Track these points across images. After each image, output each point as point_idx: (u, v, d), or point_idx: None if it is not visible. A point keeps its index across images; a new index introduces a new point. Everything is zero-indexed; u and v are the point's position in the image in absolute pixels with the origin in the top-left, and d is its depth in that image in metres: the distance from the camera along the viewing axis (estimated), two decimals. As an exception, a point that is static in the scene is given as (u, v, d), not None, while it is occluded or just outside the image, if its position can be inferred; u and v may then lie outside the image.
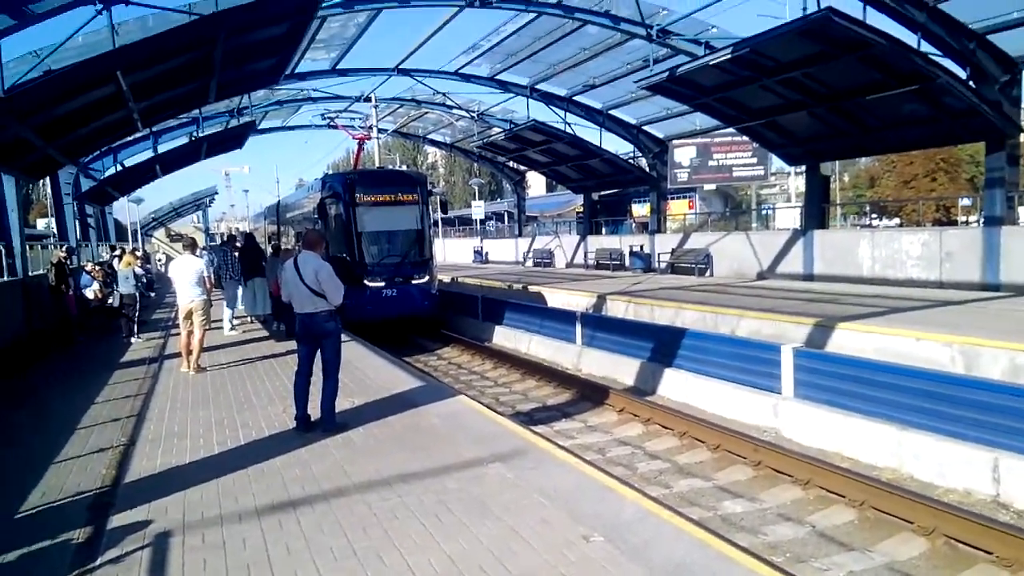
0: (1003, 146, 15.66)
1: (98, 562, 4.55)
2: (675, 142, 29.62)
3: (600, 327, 14.36)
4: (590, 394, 11.79)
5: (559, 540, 4.61)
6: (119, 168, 28.61)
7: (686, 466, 8.65)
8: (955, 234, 18.11)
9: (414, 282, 17.39)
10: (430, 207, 19.09)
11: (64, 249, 18.49)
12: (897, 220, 51.65)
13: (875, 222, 51.96)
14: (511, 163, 38.61)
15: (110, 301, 15.64)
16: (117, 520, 5.23)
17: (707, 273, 24.01)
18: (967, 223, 37.88)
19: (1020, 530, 5.97)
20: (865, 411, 8.55)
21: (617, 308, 17.78)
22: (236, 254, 15.96)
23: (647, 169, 29.19)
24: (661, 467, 8.65)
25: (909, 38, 14.92)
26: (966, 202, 44.17)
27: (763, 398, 9.87)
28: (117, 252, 22.44)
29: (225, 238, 22.77)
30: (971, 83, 15.13)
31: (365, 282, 16.78)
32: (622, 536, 4.63)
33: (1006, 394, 7.31)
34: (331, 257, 16.42)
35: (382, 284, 16.94)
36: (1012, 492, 6.83)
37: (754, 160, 31.49)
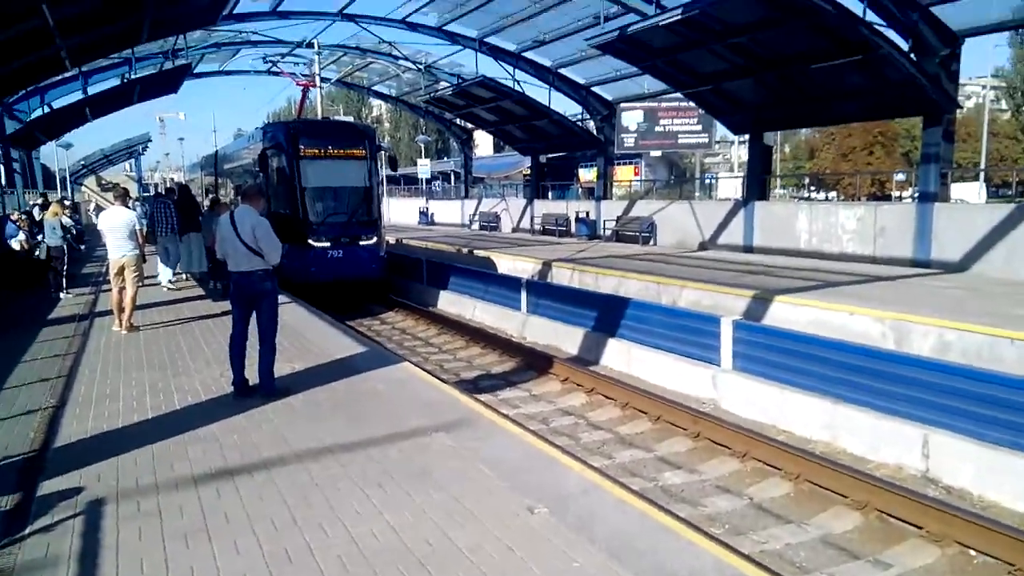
0: (940, 121, 16.00)
1: (27, 531, 4.39)
2: (623, 105, 29.58)
3: (545, 295, 14.38)
4: (534, 363, 11.83)
5: (504, 511, 4.62)
6: (47, 110, 27.29)
7: (628, 437, 8.78)
8: (889, 210, 18.59)
9: (361, 243, 16.62)
10: (379, 163, 18.29)
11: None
12: (834, 194, 52.95)
13: (813, 195, 53.19)
14: (459, 120, 38.08)
15: (36, 253, 14.98)
16: (47, 486, 5.04)
17: (651, 242, 24.23)
18: (900, 198, 39.03)
19: (948, 506, 6.22)
20: (800, 384, 8.77)
21: (562, 276, 17.83)
22: (175, 207, 15.37)
23: (595, 132, 29.14)
24: (604, 437, 8.76)
25: (855, 7, 15.04)
26: (900, 177, 45.52)
27: (703, 369, 10.04)
28: (39, 201, 21.52)
29: (163, 189, 21.93)
30: (912, 55, 15.39)
31: (309, 242, 16.05)
32: (566, 507, 4.66)
33: (936, 371, 7.57)
34: (272, 214, 15.70)
35: (327, 245, 16.18)
36: (941, 468, 7.11)
37: (699, 128, 31.73)
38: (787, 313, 11.61)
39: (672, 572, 3.87)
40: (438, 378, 8.55)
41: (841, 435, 8.08)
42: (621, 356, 11.58)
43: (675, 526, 4.59)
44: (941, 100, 15.56)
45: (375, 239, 16.92)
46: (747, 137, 22.49)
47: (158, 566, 3.95)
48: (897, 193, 43.04)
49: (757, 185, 21.34)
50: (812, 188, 57.24)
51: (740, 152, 49.55)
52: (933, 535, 5.93)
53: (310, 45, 29.56)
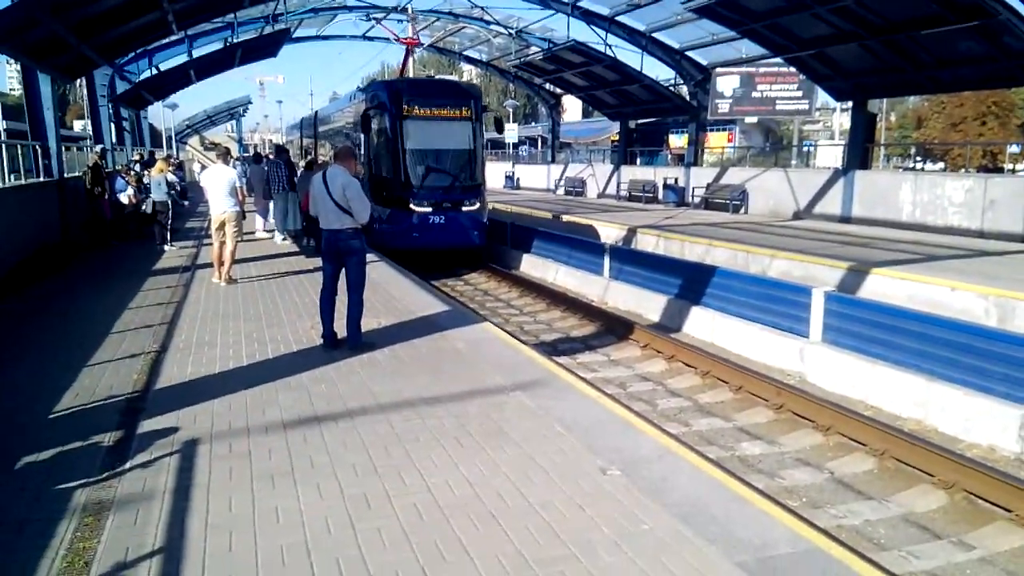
0: (1062, 92, 14.98)
1: (127, 465, 4.69)
2: (719, 70, 28.70)
3: (628, 260, 14.25)
4: (615, 328, 11.79)
5: (576, 471, 4.66)
6: (154, 72, 28.46)
7: (707, 405, 8.67)
8: (1000, 182, 17.54)
9: (464, 209, 16.07)
10: (484, 125, 17.41)
11: (99, 149, 18.63)
12: (941, 165, 50.20)
13: (919, 165, 50.56)
14: (547, 85, 37.75)
15: (144, 207, 15.77)
16: (147, 425, 5.37)
17: (742, 210, 23.62)
18: (1014, 171, 36.70)
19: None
20: (893, 360, 8.47)
21: (647, 242, 17.61)
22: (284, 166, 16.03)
23: (688, 98, 28.42)
24: (682, 405, 8.69)
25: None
26: (1015, 149, 42.74)
27: (790, 341, 9.79)
28: (137, 158, 22.56)
29: (275, 150, 22.60)
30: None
31: (411, 206, 15.66)
32: (639, 471, 4.66)
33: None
34: (372, 177, 16.30)
35: (428, 209, 15.65)
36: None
37: (799, 94, 30.51)
38: (884, 287, 11.18)
39: (743, 541, 3.84)
40: (517, 339, 8.63)
41: (933, 413, 7.78)
42: (704, 324, 11.41)
43: (749, 495, 4.53)
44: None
45: (478, 205, 16.36)
46: (849, 104, 21.53)
47: (246, 505, 4.17)
48: (1010, 166, 40.48)
49: (858, 153, 20.46)
50: (918, 158, 54.40)
51: (842, 120, 47.49)
52: (1023, 519, 5.67)
53: (404, 10, 29.78)
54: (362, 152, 16.61)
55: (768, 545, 3.82)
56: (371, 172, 16.45)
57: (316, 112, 28.07)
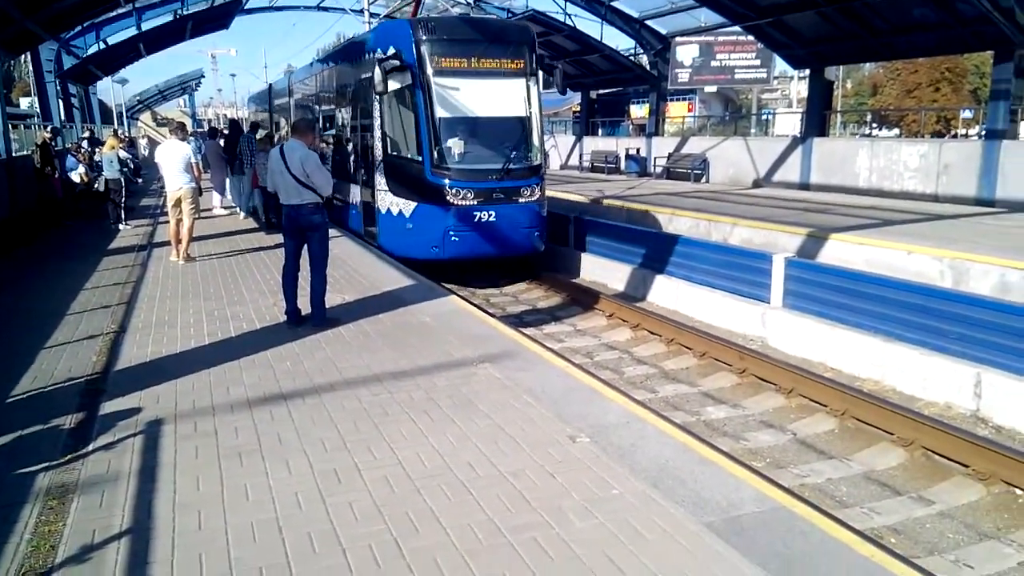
0: (1012, 57, 15.23)
1: (90, 448, 4.61)
2: (678, 39, 28.68)
3: (592, 231, 14.29)
4: (580, 298, 11.85)
5: (546, 439, 4.69)
6: (102, 46, 27.60)
7: (672, 372, 8.79)
8: (954, 147, 17.87)
9: (521, 200, 11.75)
10: (539, 80, 13.00)
11: (49, 130, 18.10)
12: (897, 131, 51.04)
13: (875, 132, 51.33)
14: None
15: (96, 186, 15.38)
16: (109, 407, 5.27)
17: (703, 179, 23.77)
18: (967, 136, 37.45)
19: (997, 444, 6.14)
20: (851, 322, 8.65)
21: (611, 213, 17.64)
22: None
23: (648, 67, 28.39)
24: (648, 372, 8.78)
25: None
26: (967, 115, 43.59)
27: (751, 307, 9.94)
28: (87, 135, 21.97)
29: (228, 124, 21.91)
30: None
31: (448, 198, 11.37)
32: (607, 437, 4.71)
33: (992, 310, 7.39)
34: (386, 159, 12.30)
35: (474, 202, 11.47)
36: (993, 407, 6.99)
37: (757, 62, 30.66)
38: (842, 252, 11.36)
39: (711, 502, 3.91)
40: (484, 311, 8.62)
41: (891, 373, 7.98)
42: (669, 293, 11.53)
43: (716, 458, 4.61)
44: (1014, 34, 14.73)
45: (538, 193, 12.08)
46: (807, 72, 21.71)
47: (214, 483, 4.12)
48: (963, 131, 41.29)
49: (816, 121, 20.66)
50: (874, 125, 55.21)
51: (799, 88, 47.89)
52: (979, 473, 5.87)
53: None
54: (372, 125, 12.59)
55: (735, 505, 3.89)
56: (384, 153, 12.30)
57: (289, 76, 22.77)
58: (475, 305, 9.04)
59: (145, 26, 27.08)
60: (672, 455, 4.51)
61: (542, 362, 6.34)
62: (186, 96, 63.90)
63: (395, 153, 12.17)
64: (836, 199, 17.23)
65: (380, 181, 12.35)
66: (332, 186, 7.47)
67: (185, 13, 26.62)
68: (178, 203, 10.55)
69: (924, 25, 16.26)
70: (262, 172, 12.32)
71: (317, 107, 17.94)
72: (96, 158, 16.02)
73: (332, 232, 8.73)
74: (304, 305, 7.45)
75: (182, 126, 11.62)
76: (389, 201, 12.17)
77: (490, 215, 11.57)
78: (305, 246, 7.43)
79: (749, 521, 3.74)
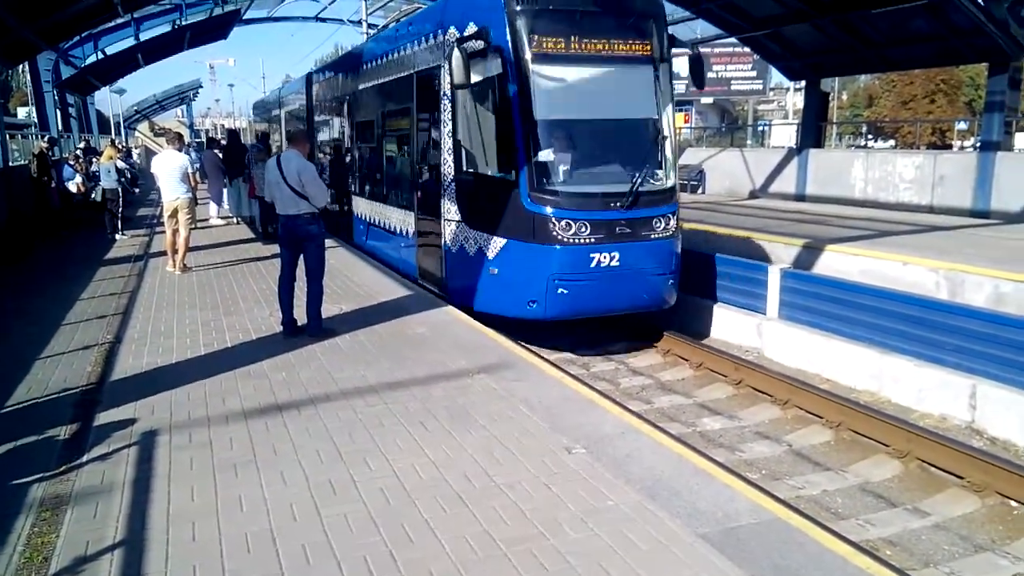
0: (1007, 68, 15.33)
1: (85, 458, 4.60)
2: (675, 51, 28.84)
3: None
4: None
5: (541, 450, 4.70)
6: (100, 56, 27.66)
7: (668, 383, 8.79)
8: (949, 158, 17.94)
9: (654, 236, 8.57)
10: (672, 68, 9.40)
11: (46, 140, 18.12)
12: (892, 142, 51.25)
13: (871, 143, 51.53)
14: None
15: (93, 196, 15.39)
16: (104, 417, 5.27)
17: (699, 190, 23.82)
18: (962, 148, 37.60)
19: (992, 456, 6.15)
20: (847, 334, 8.66)
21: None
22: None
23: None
24: (643, 383, 8.78)
25: (920, -51, 14.38)
26: (963, 126, 43.78)
27: (747, 318, 9.96)
28: (82, 146, 22.00)
29: (227, 135, 21.81)
30: (980, 0, 14.69)
31: (555, 233, 8.15)
32: (603, 449, 4.72)
33: (988, 321, 7.41)
34: (460, 177, 9.10)
35: (590, 239, 8.21)
36: (987, 419, 7.00)
37: (753, 74, 30.99)
38: (838, 263, 11.36)
39: (706, 513, 3.91)
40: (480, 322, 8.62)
41: (887, 384, 7.99)
42: (665, 304, 11.48)
43: (711, 469, 4.61)
44: (1008, 47, 14.84)
45: (674, 225, 8.89)
46: (803, 84, 21.80)
47: (208, 494, 4.11)
48: (959, 142, 41.45)
49: (812, 132, 20.74)
50: (869, 136, 55.44)
51: (795, 99, 48.05)
52: (974, 485, 5.88)
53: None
54: (437, 131, 9.54)
55: (730, 517, 3.90)
56: (457, 169, 9.11)
57: (309, 77, 18.28)
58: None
59: (143, 36, 27.16)
60: (667, 466, 4.51)
61: (538, 372, 6.34)
62: (184, 106, 64.00)
63: (472, 170, 8.93)
64: (832, 210, 17.26)
65: (450, 208, 9.25)
66: (328, 197, 7.48)
67: (184, 24, 26.71)
68: (175, 213, 10.56)
69: (919, 37, 16.37)
70: (259, 182, 12.31)
71: (345, 111, 14.56)
72: (93, 168, 16.02)
73: (328, 242, 8.73)
74: (300, 315, 7.45)
75: (179, 136, 11.64)
76: (463, 236, 9.05)
77: (612, 257, 8.29)
78: (301, 256, 7.43)
79: (744, 533, 3.74)
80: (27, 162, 16.29)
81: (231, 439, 4.87)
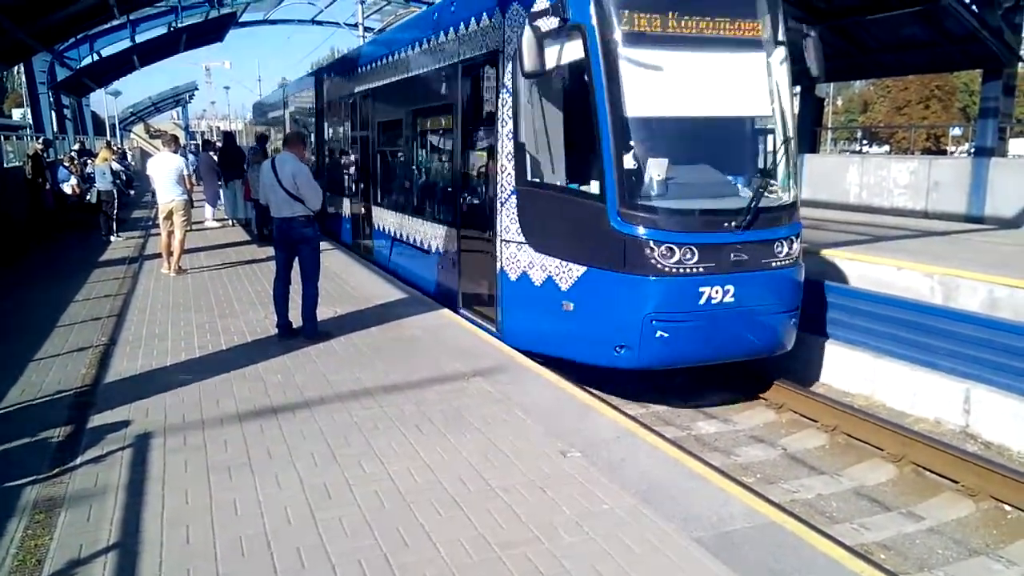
0: (1000, 75, 15.41)
1: (78, 461, 4.58)
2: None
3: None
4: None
5: (537, 454, 4.70)
6: (96, 58, 27.64)
7: (663, 387, 8.77)
8: (943, 164, 17.99)
9: (775, 264, 7.06)
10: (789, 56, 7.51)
11: (41, 141, 18.08)
12: (887, 148, 51.46)
13: (865, 149, 51.74)
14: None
15: (88, 197, 15.35)
16: (97, 420, 5.25)
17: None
18: (956, 153, 37.77)
19: (986, 460, 6.17)
20: (840, 338, 8.67)
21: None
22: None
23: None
24: (639, 389, 8.76)
25: (914, -47, 14.45)
26: (957, 132, 44.04)
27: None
28: (76, 148, 21.94)
29: (223, 137, 21.65)
30: (974, 7, 14.77)
31: (650, 260, 6.57)
32: (598, 452, 4.72)
33: (982, 326, 7.42)
34: (525, 187, 7.41)
35: (698, 268, 6.65)
36: (981, 423, 7.01)
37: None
38: (833, 267, 11.40)
39: (701, 517, 3.91)
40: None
41: (881, 389, 7.99)
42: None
43: (706, 473, 4.62)
44: (1002, 53, 14.92)
45: (797, 249, 7.38)
46: (798, 89, 21.88)
47: (202, 497, 4.10)
48: (953, 148, 41.71)
49: (807, 137, 20.77)
50: (864, 142, 55.68)
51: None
52: (968, 489, 5.89)
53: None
54: (492, 129, 7.93)
55: (725, 520, 3.90)
56: (519, 177, 7.45)
57: (319, 74, 16.79)
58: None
59: (139, 38, 27.14)
60: (663, 470, 4.52)
61: (533, 375, 6.34)
62: (179, 108, 63.88)
63: (540, 179, 7.36)
64: (827, 215, 17.28)
65: (508, 225, 7.59)
66: (323, 199, 7.46)
67: (179, 26, 26.71)
68: (170, 215, 10.54)
69: (914, 43, 16.44)
70: (255, 184, 12.28)
71: (364, 110, 12.97)
72: (88, 170, 15.99)
73: (324, 244, 8.73)
74: (295, 318, 7.44)
75: (175, 139, 11.62)
76: (526, 261, 7.44)
77: (725, 292, 6.69)
78: (296, 259, 7.43)
79: (739, 536, 3.75)
80: (22, 164, 16.23)
81: (225, 441, 4.86)
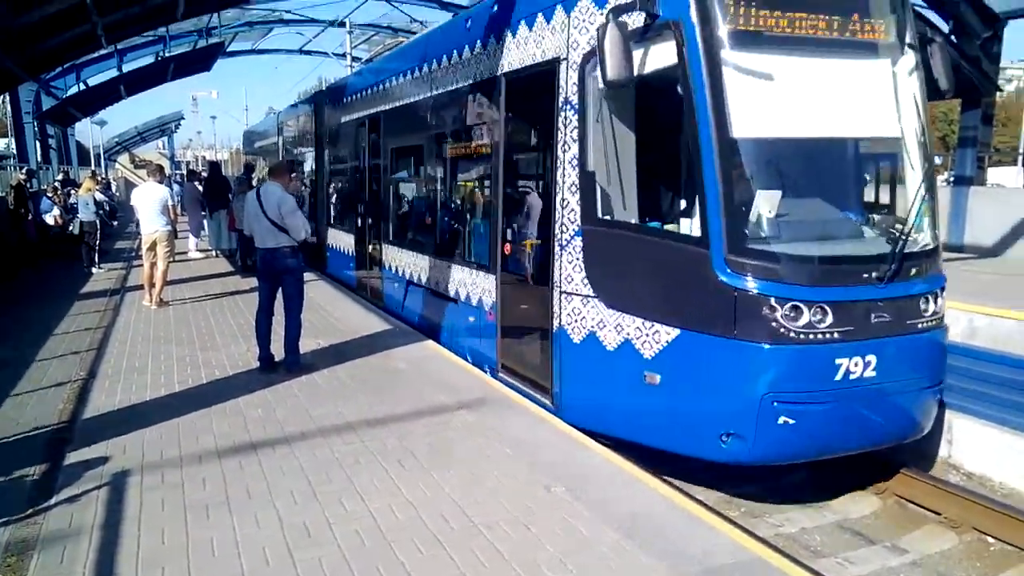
0: (979, 104, 15.63)
1: (53, 500, 4.50)
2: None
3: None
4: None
5: (521, 489, 4.65)
6: (82, 87, 27.66)
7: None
8: (924, 193, 18.20)
9: (920, 325, 5.64)
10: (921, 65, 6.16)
11: (24, 172, 17.99)
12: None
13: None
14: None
15: (70, 228, 15.26)
16: (74, 456, 5.17)
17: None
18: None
19: (967, 492, 6.16)
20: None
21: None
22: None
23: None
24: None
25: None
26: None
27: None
28: (60, 178, 21.87)
29: (209, 167, 21.64)
30: (952, 37, 15.02)
31: (771, 321, 5.12)
32: (583, 487, 4.68)
33: (961, 356, 7.44)
34: (594, 226, 6.10)
35: (832, 332, 5.20)
36: (964, 454, 7.00)
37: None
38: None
39: (686, 553, 3.88)
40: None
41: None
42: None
43: (691, 508, 4.60)
44: (981, 83, 15.16)
45: (941, 306, 5.95)
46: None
47: (179, 537, 4.03)
48: (933, 176, 42.15)
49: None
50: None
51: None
52: (951, 521, 5.87)
53: (342, 24, 29.57)
54: (549, 155, 6.72)
55: (710, 555, 3.88)
56: (587, 214, 6.15)
57: (318, 98, 15.88)
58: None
59: (126, 67, 27.21)
60: (647, 505, 4.49)
61: (518, 410, 6.30)
62: (165, 138, 63.84)
63: (612, 217, 6.06)
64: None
65: (571, 273, 6.27)
66: (309, 229, 7.44)
67: (167, 55, 26.79)
68: (153, 246, 10.47)
69: (892, 74, 16.70)
70: (239, 214, 12.20)
71: (373, 135, 11.65)
72: (71, 200, 15.92)
73: (308, 276, 8.70)
74: (278, 351, 7.39)
75: (160, 168, 11.58)
76: (594, 319, 6.09)
77: (867, 363, 5.34)
78: (280, 290, 7.38)
79: (725, 573, 3.73)
80: (4, 194, 16.14)
81: (204, 479, 4.79)
